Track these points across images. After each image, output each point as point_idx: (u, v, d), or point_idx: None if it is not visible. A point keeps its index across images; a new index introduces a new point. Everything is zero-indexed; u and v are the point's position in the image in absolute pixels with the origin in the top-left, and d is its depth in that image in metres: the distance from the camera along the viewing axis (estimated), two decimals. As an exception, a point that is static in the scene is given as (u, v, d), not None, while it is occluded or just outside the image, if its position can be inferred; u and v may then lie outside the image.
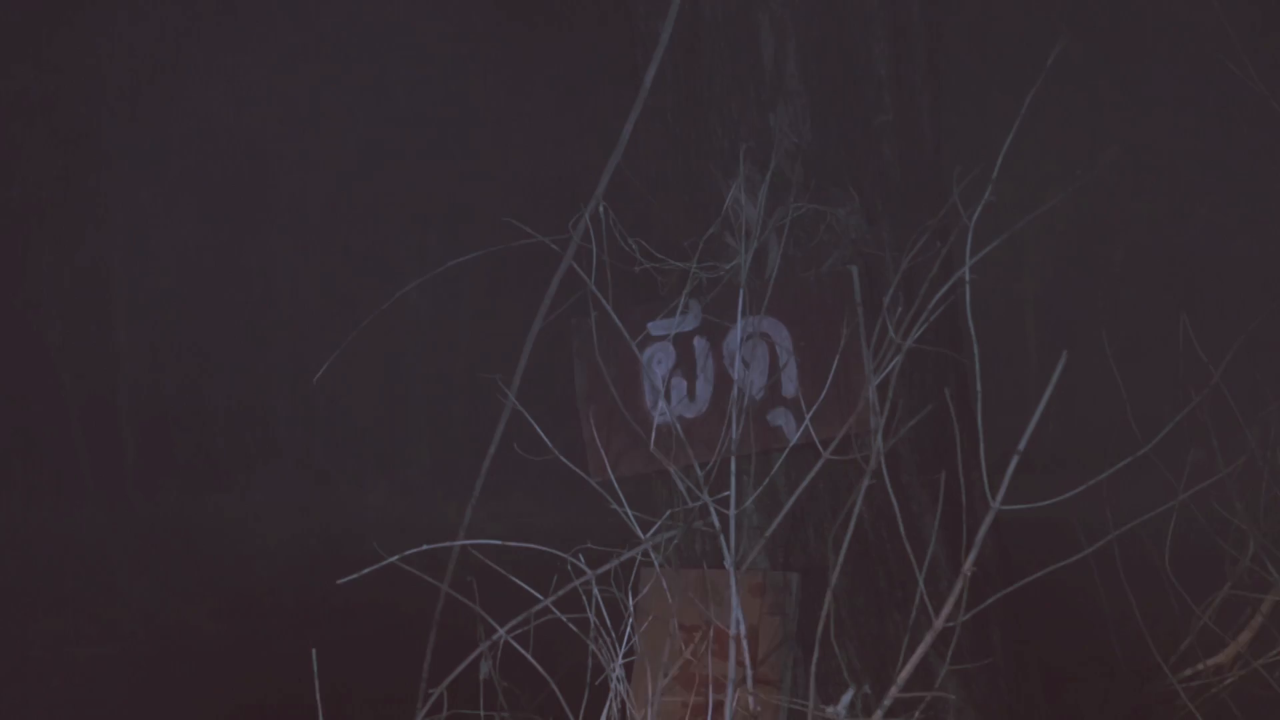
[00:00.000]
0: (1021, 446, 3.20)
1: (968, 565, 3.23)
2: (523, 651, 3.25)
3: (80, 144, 12.00)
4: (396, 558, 3.31)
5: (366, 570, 3.28)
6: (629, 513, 3.55)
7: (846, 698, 3.33)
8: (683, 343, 3.86)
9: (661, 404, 3.86)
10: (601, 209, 3.70)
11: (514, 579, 3.35)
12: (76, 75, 11.86)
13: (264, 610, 10.16)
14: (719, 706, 3.45)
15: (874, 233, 3.82)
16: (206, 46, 11.63)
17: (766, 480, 3.57)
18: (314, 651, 3.54)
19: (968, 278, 3.20)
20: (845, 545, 3.32)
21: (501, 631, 3.25)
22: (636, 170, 3.91)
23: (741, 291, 3.60)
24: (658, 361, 3.88)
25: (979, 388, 3.22)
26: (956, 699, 3.68)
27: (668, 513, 3.60)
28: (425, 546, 3.40)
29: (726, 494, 3.51)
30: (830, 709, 3.32)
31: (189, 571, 10.20)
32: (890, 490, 3.31)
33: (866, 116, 3.87)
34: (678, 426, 3.66)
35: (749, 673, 3.47)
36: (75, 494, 11.34)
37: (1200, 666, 3.87)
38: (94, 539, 10.43)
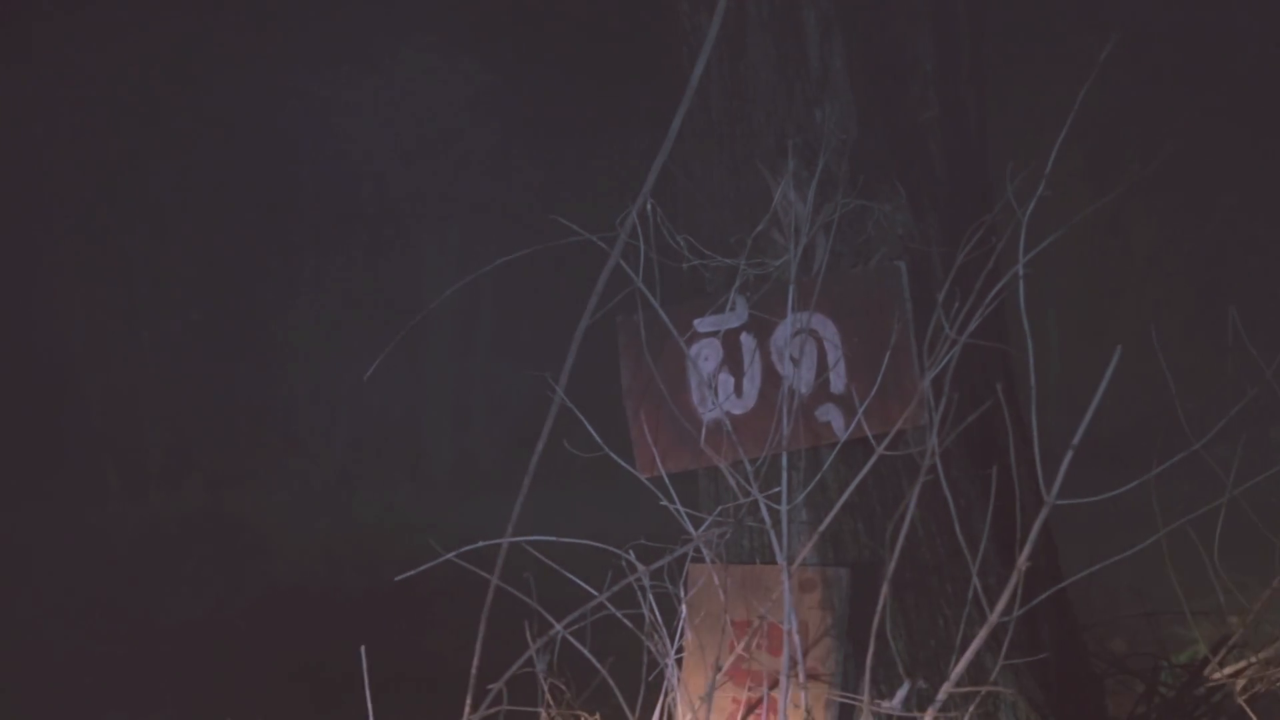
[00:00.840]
0: (1076, 441, 3.21)
1: (1023, 559, 3.23)
2: (579, 647, 3.26)
3: (105, 142, 12.03)
4: (454, 554, 3.32)
5: (425, 566, 3.30)
6: (680, 509, 3.56)
7: (902, 692, 3.33)
8: (729, 339, 3.87)
9: (709, 400, 3.86)
10: (649, 206, 3.70)
11: (569, 575, 3.36)
12: (96, 73, 11.89)
13: (291, 607, 10.20)
14: (771, 701, 3.46)
15: (920, 228, 3.83)
16: (226, 46, 11.66)
17: (819, 476, 3.57)
18: (362, 649, 3.55)
19: (1021, 273, 3.20)
20: (900, 540, 3.33)
21: (559, 627, 3.26)
22: (683, 167, 3.92)
23: (791, 287, 3.60)
24: (704, 358, 3.88)
25: (1033, 382, 3.23)
26: (1009, 693, 3.68)
27: (718, 509, 3.60)
28: (482, 543, 3.41)
29: (777, 489, 3.52)
30: (885, 703, 3.33)
31: (213, 570, 10.25)
32: (945, 485, 3.31)
33: (912, 112, 3.88)
34: (727, 423, 3.66)
35: (801, 667, 3.48)
36: (99, 492, 11.38)
37: (1252, 660, 3.87)
38: (119, 538, 10.47)
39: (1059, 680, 3.84)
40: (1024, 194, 3.38)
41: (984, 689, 3.41)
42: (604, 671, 3.28)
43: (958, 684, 3.37)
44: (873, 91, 3.86)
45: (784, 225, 3.74)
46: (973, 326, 3.29)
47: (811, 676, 3.55)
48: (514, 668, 3.25)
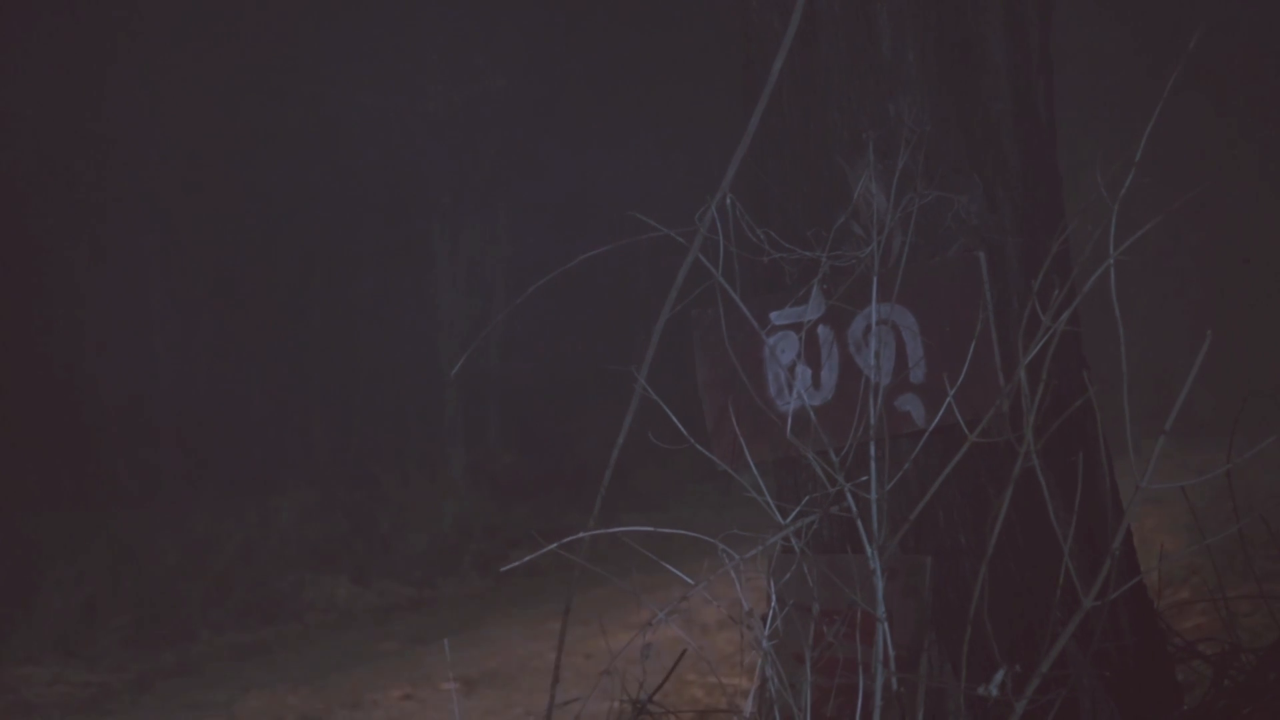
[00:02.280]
0: (1168, 426, 3.25)
1: (1116, 543, 3.28)
2: (682, 635, 3.30)
3: (117, 144, 12.04)
4: (555, 545, 3.35)
5: (527, 558, 3.33)
6: (769, 501, 3.60)
7: (998, 677, 3.37)
8: (806, 331, 3.91)
9: (785, 392, 3.90)
10: (729, 200, 3.74)
11: (665, 565, 3.40)
12: (103, 69, 11.89)
13: (304, 610, 10.22)
14: (860, 689, 3.49)
15: (995, 219, 3.87)
16: (245, 48, 11.68)
17: (907, 464, 3.62)
18: (446, 642, 3.58)
19: (1112, 259, 3.24)
20: (997, 528, 3.37)
21: (661, 614, 3.30)
22: (760, 162, 3.96)
23: (875, 279, 3.65)
24: (781, 351, 3.93)
25: (1124, 369, 3.27)
26: (1090, 680, 3.72)
27: (806, 498, 3.65)
28: (582, 534, 3.45)
29: (864, 478, 3.56)
30: (981, 689, 3.37)
31: (230, 574, 10.28)
32: (1040, 473, 3.35)
33: (984, 104, 3.91)
34: (812, 413, 3.70)
35: (890, 655, 3.52)
36: (113, 497, 11.40)
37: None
38: (137, 542, 10.49)
39: (1136, 666, 3.88)
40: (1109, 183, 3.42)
41: (1075, 675, 3.45)
42: (704, 658, 3.32)
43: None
44: (945, 84, 3.90)
45: (864, 218, 3.78)
46: (1067, 314, 3.32)
47: (899, 664, 3.59)
48: (616, 654, 3.28)
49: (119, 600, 9.44)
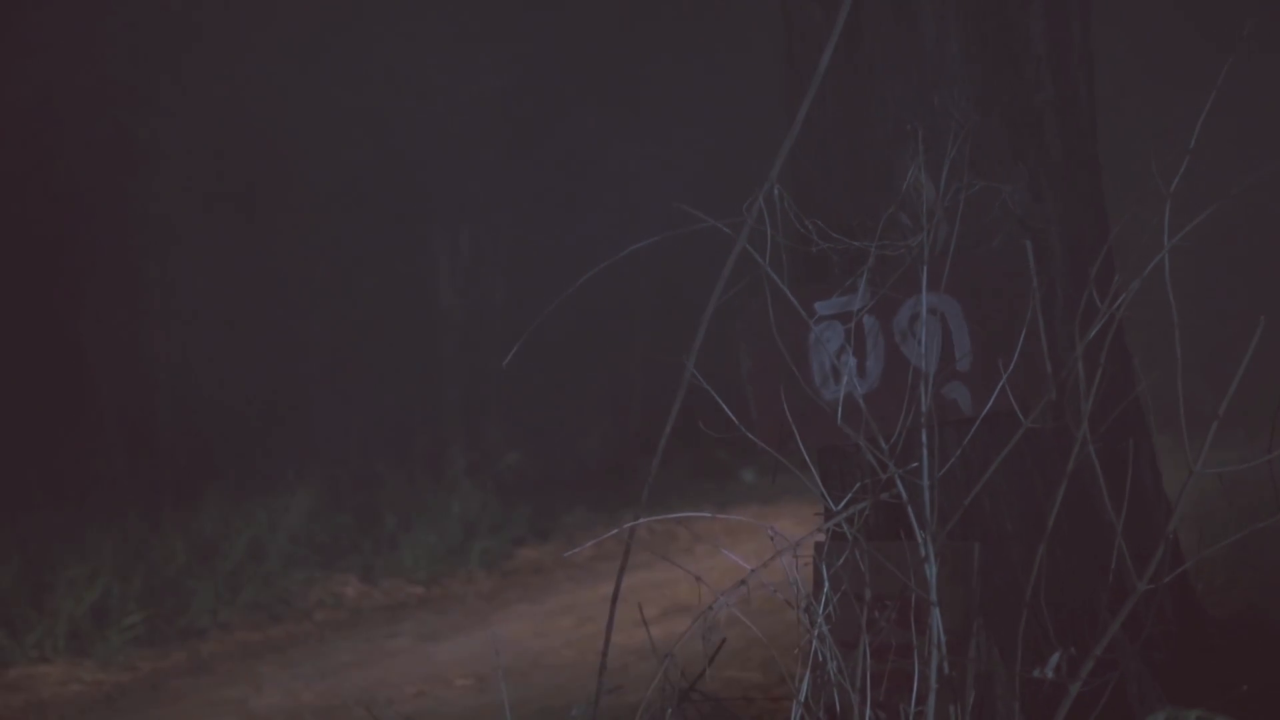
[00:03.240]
0: (1221, 411, 3.29)
1: (1171, 527, 3.32)
2: (744, 619, 3.33)
3: (116, 147, 12.04)
4: (613, 533, 3.39)
5: (589, 543, 3.36)
6: (821, 488, 3.64)
7: (1054, 660, 3.41)
8: (851, 321, 3.94)
9: (830, 381, 3.94)
10: (776, 191, 3.77)
11: (724, 550, 3.43)
12: (109, 73, 11.89)
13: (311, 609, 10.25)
14: (916, 674, 3.53)
15: (1039, 208, 3.91)
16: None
17: (959, 451, 3.65)
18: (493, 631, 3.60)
19: (1166, 246, 3.28)
20: (1053, 514, 3.41)
21: (720, 598, 3.33)
22: (802, 153, 3.99)
23: (924, 269, 3.68)
24: (826, 340, 3.96)
25: (1179, 353, 3.31)
26: (1137, 663, 3.76)
27: (858, 484, 3.68)
28: (637, 521, 3.48)
29: (914, 465, 3.60)
30: (1037, 671, 3.41)
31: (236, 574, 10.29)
32: (1095, 459, 3.39)
33: (1027, 95, 3.96)
34: (861, 401, 3.73)
35: (942, 640, 3.55)
36: (122, 498, 11.39)
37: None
38: (147, 542, 10.50)
39: (1183, 649, 3.92)
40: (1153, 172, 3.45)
41: (1126, 660, 3.49)
42: (766, 642, 3.36)
43: (1082, 655, 3.46)
44: (988, 75, 3.94)
45: (913, 208, 3.82)
46: (1125, 299, 3.36)
47: (948, 648, 3.63)
48: (678, 639, 3.31)
49: (130, 600, 9.43)
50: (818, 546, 3.79)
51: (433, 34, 12.68)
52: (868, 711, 3.40)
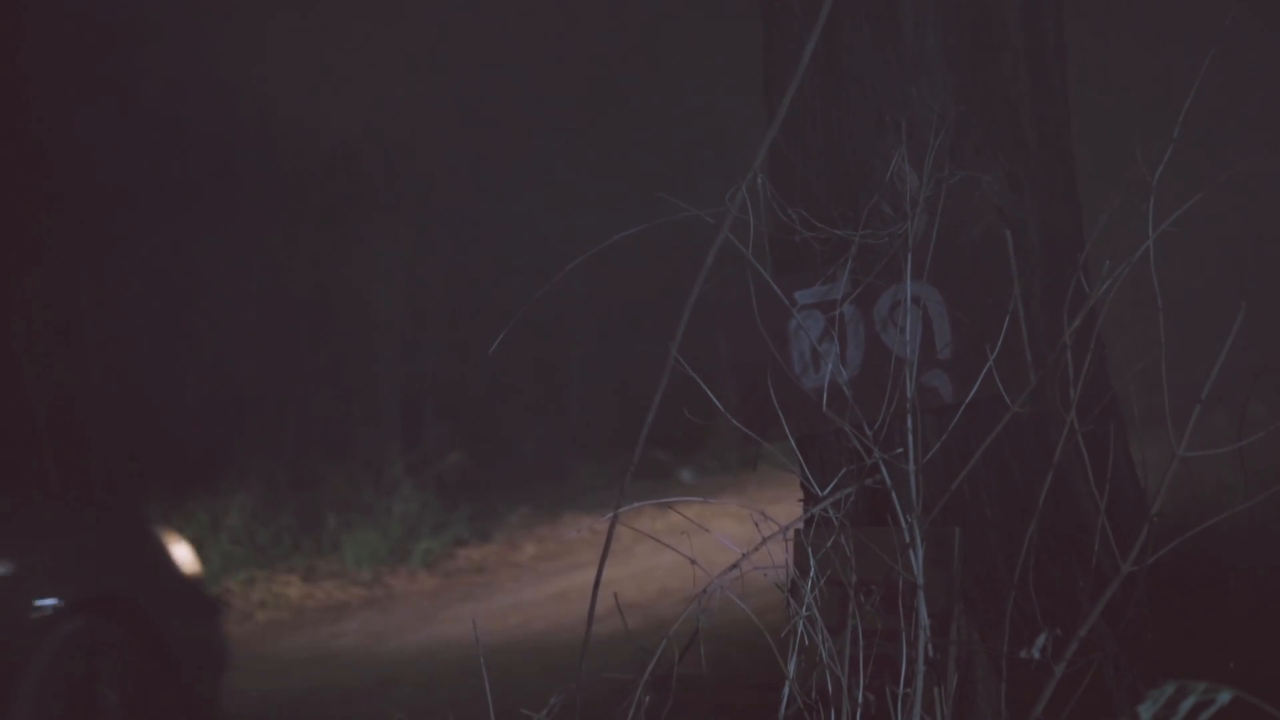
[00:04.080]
0: (1204, 395, 3.35)
1: (1156, 508, 3.38)
2: (737, 601, 3.36)
3: (47, 147, 11.92)
4: (610, 515, 3.40)
5: (580, 531, 3.37)
6: (807, 474, 3.67)
7: (1040, 640, 3.46)
8: (831, 310, 3.97)
9: (810, 370, 3.98)
10: (759, 181, 3.80)
11: (717, 535, 3.46)
12: (39, 72, 11.77)
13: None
14: (904, 657, 3.57)
15: (1018, 199, 3.96)
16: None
17: (944, 436, 3.69)
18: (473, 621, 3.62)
19: (1151, 234, 3.34)
20: (1042, 498, 3.46)
21: (715, 580, 3.36)
22: (786, 143, 4.03)
23: (909, 256, 3.72)
24: (806, 329, 3.99)
25: (1163, 339, 3.36)
26: (1111, 645, 3.82)
27: (843, 470, 3.71)
28: (636, 504, 3.50)
29: (899, 451, 3.64)
30: (1024, 652, 3.46)
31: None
32: (1082, 444, 3.45)
33: (1005, 86, 4.01)
34: (846, 388, 3.76)
35: (925, 623, 3.59)
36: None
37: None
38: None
39: (1156, 633, 3.98)
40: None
41: (1109, 640, 3.55)
42: (761, 626, 3.39)
43: (1060, 638, 3.51)
44: (966, 67, 3.99)
45: (894, 197, 3.86)
46: (1113, 284, 3.40)
47: (930, 632, 3.67)
48: (675, 625, 3.33)
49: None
50: (799, 533, 3.82)
51: (371, 34, 12.64)
52: (860, 694, 3.43)
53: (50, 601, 5.20)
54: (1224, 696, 2.42)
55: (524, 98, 12.69)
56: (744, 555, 3.44)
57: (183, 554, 6.11)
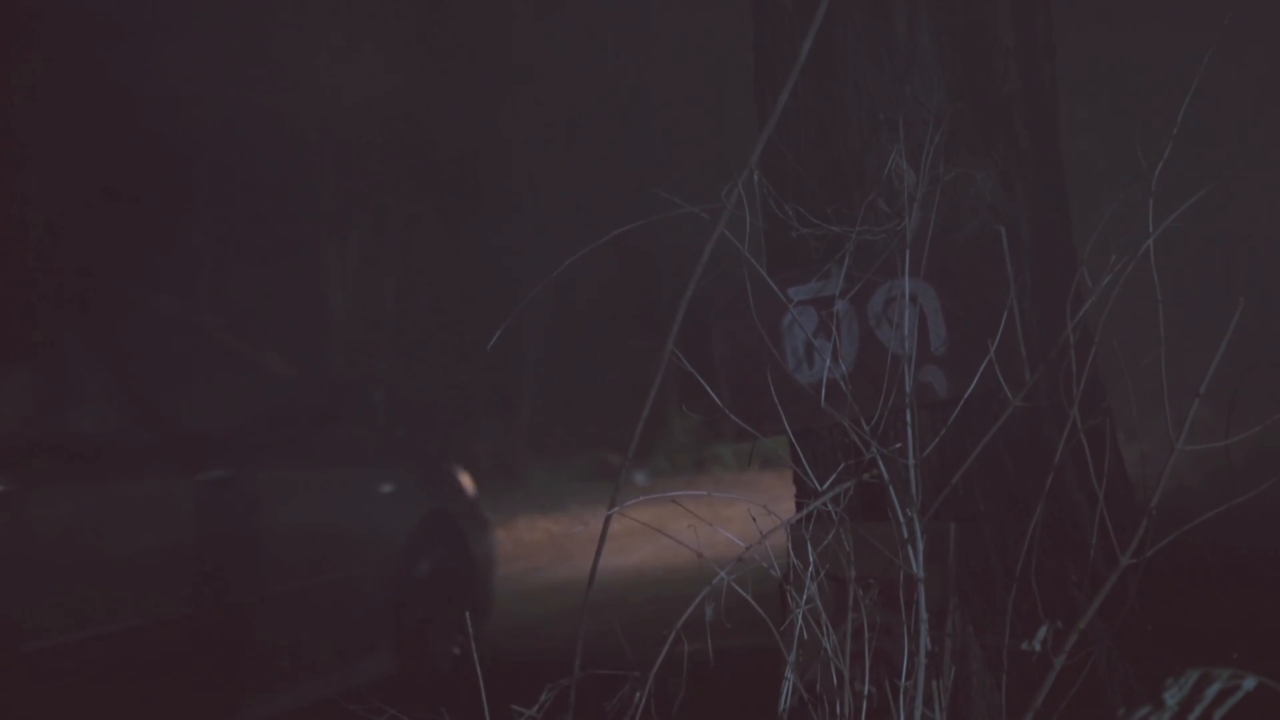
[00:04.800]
0: (1203, 390, 3.39)
1: (1154, 502, 3.40)
2: (742, 593, 3.36)
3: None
4: (616, 509, 3.41)
5: (583, 524, 3.37)
6: (807, 470, 3.68)
7: (1041, 632, 3.48)
8: (825, 306, 3.99)
9: (804, 366, 3.99)
10: (755, 177, 3.81)
11: (719, 529, 3.46)
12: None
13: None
14: (906, 652, 3.58)
15: (1010, 198, 4.00)
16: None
17: (943, 431, 3.71)
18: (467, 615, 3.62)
19: (1151, 230, 3.37)
20: (1045, 493, 3.48)
21: (722, 573, 3.36)
22: (783, 140, 4.04)
23: (907, 252, 3.74)
24: (800, 325, 4.01)
25: (1162, 333, 3.39)
26: (1105, 638, 3.85)
27: (841, 465, 3.73)
28: (643, 497, 3.50)
29: (898, 445, 3.65)
30: (1026, 644, 3.48)
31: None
32: (1084, 441, 3.47)
33: (996, 85, 4.04)
34: (843, 383, 3.78)
35: (924, 618, 3.61)
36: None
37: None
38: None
39: (1149, 627, 4.02)
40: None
41: (1111, 629, 3.58)
42: (764, 615, 3.40)
43: (1054, 633, 3.54)
44: (958, 66, 4.02)
45: (890, 195, 3.88)
46: (1123, 277, 3.42)
47: (930, 626, 3.69)
48: (686, 613, 3.33)
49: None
50: (793, 528, 3.84)
51: (322, 35, 12.59)
52: (865, 687, 3.45)
53: (410, 511, 6.83)
54: (1249, 683, 2.45)
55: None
56: (747, 549, 3.45)
57: (466, 480, 7.78)
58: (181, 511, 5.47)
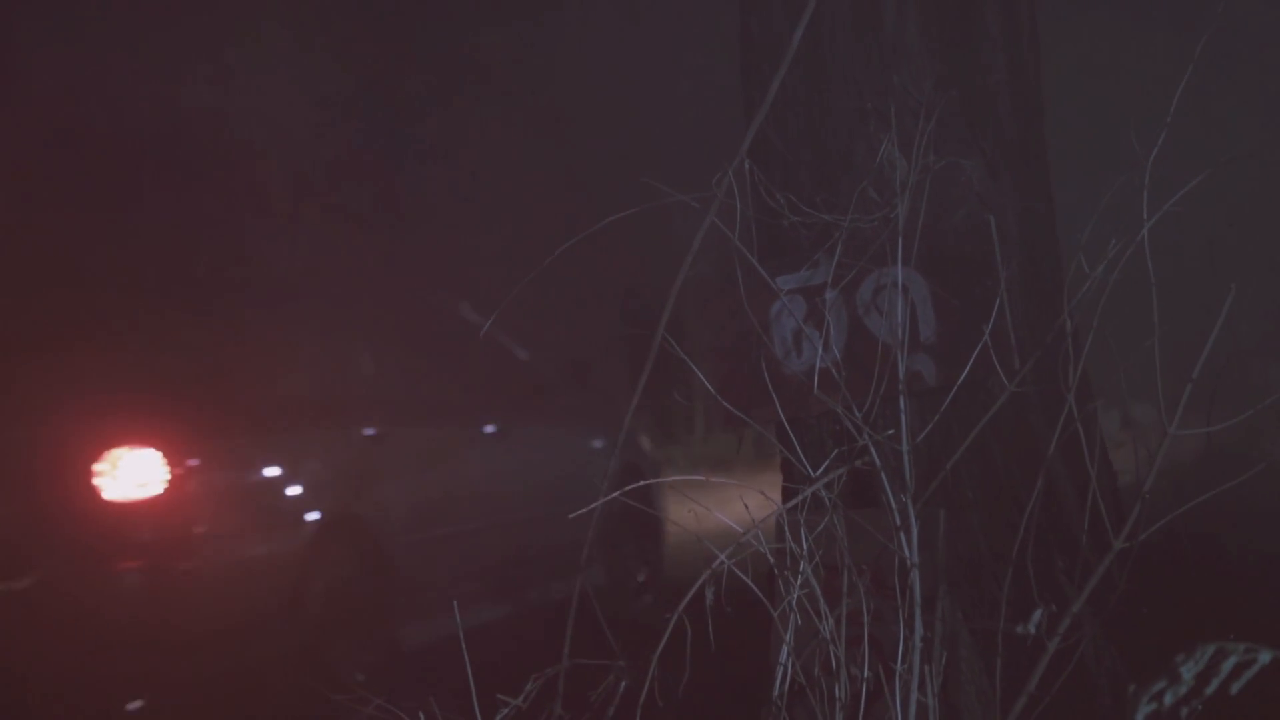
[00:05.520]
0: (1195, 375, 3.42)
1: (1147, 485, 3.44)
2: (743, 577, 3.37)
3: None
4: (618, 493, 3.42)
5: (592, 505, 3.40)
6: (801, 456, 3.69)
7: (1036, 616, 3.51)
8: (814, 295, 4.01)
9: (793, 354, 4.01)
10: (746, 166, 3.82)
11: (717, 514, 3.47)
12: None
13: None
14: (883, 639, 3.60)
15: (996, 186, 4.02)
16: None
17: (935, 419, 3.72)
18: (455, 602, 3.60)
19: (1145, 220, 3.39)
20: (1039, 480, 3.51)
21: (722, 557, 3.37)
22: (776, 129, 4.06)
23: (900, 240, 3.76)
24: (789, 314, 4.02)
25: (1156, 321, 3.42)
26: (1092, 625, 3.88)
27: (835, 451, 3.74)
28: (640, 483, 3.50)
29: (890, 432, 3.67)
30: (1020, 628, 3.50)
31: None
32: (1079, 428, 3.50)
33: (983, 75, 4.07)
34: (835, 371, 3.79)
35: (917, 603, 3.63)
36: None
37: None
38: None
39: (1137, 613, 4.05)
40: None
41: (1103, 614, 3.61)
42: (765, 599, 3.41)
43: (1046, 616, 3.56)
44: (945, 56, 4.05)
45: (879, 184, 3.89)
46: (1115, 272, 3.45)
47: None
48: (686, 598, 3.34)
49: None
50: (787, 513, 3.84)
51: (270, 30, 12.51)
52: (863, 671, 3.46)
53: (613, 462, 7.46)
54: (1265, 656, 2.48)
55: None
56: (744, 534, 3.46)
57: (647, 442, 9.56)
58: (472, 453, 7.88)
